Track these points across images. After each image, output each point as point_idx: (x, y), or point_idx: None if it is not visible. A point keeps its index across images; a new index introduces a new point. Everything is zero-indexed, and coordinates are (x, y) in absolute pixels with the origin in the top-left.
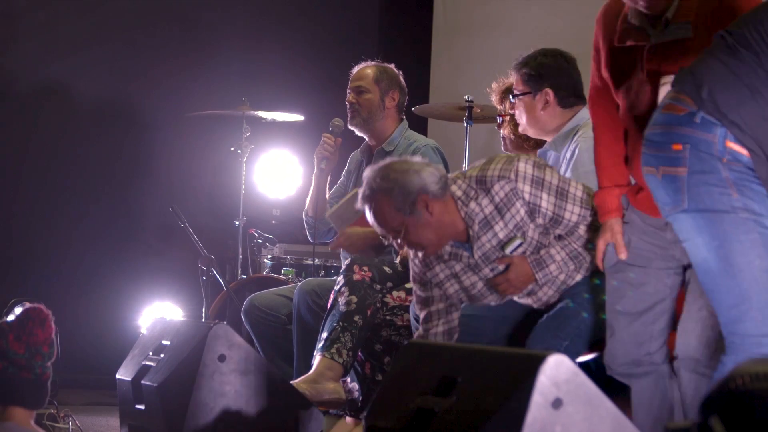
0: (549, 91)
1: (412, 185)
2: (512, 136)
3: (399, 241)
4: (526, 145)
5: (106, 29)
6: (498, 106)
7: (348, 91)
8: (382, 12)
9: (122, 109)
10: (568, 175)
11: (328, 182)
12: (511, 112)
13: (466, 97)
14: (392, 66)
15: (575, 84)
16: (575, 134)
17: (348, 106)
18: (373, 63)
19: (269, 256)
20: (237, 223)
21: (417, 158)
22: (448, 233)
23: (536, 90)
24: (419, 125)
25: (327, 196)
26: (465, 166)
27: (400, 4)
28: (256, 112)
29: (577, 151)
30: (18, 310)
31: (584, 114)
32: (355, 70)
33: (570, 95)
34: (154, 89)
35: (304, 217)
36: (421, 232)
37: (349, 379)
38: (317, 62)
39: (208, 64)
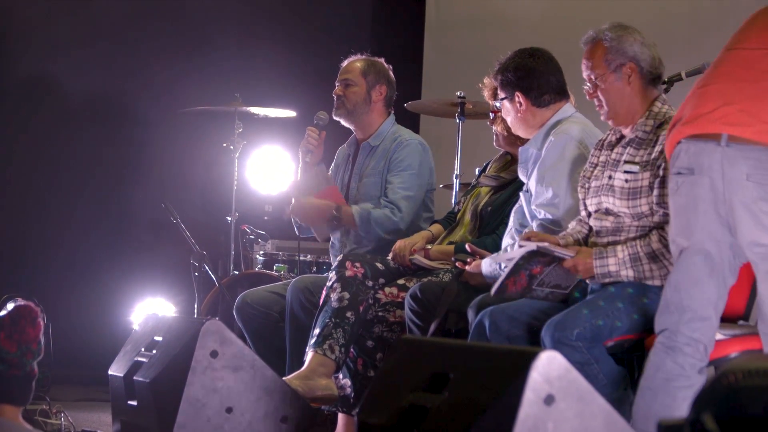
0: (519, 94)
1: (628, 42)
2: (505, 133)
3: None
4: (519, 142)
5: (98, 25)
6: (490, 102)
7: (336, 83)
8: (375, 7)
9: (114, 105)
10: (535, 172)
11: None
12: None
13: (459, 93)
14: (382, 60)
15: (549, 82)
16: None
17: (335, 99)
18: (362, 56)
19: (261, 252)
20: (229, 218)
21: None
22: (625, 113)
23: (510, 95)
24: (411, 121)
25: None
26: (457, 163)
27: (392, 0)
28: (248, 108)
29: (544, 149)
30: (9, 307)
31: (567, 110)
32: (344, 63)
33: (543, 94)
34: (147, 85)
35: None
36: (610, 95)
37: (341, 376)
38: (309, 58)
39: (200, 60)
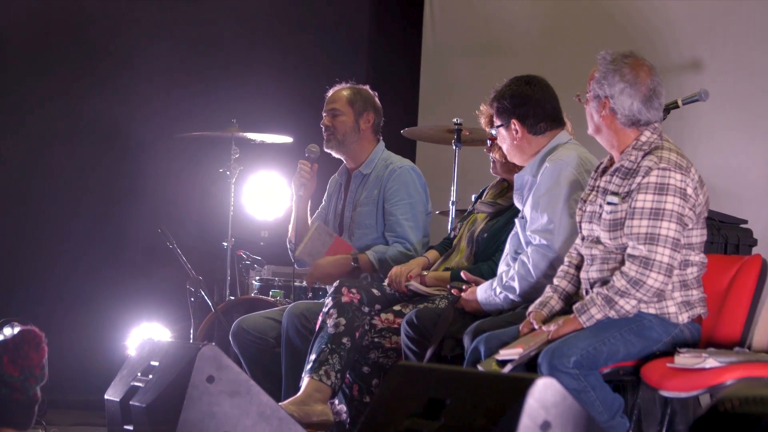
0: (515, 122)
1: (613, 82)
2: (502, 160)
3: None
4: (515, 169)
5: (95, 49)
6: (486, 129)
7: (323, 113)
8: (372, 35)
9: (111, 130)
10: (530, 198)
11: (308, 207)
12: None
13: (455, 120)
14: (367, 87)
15: (545, 110)
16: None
17: (323, 129)
18: (347, 85)
19: (257, 278)
20: (225, 244)
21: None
22: (601, 137)
23: (506, 122)
24: (408, 147)
25: (309, 221)
26: (453, 189)
27: (389, 27)
28: (245, 134)
29: (539, 176)
30: (8, 332)
31: (563, 137)
32: (329, 92)
33: (539, 121)
34: (143, 110)
35: (288, 244)
36: (589, 116)
37: (337, 401)
38: (306, 84)
39: (197, 86)
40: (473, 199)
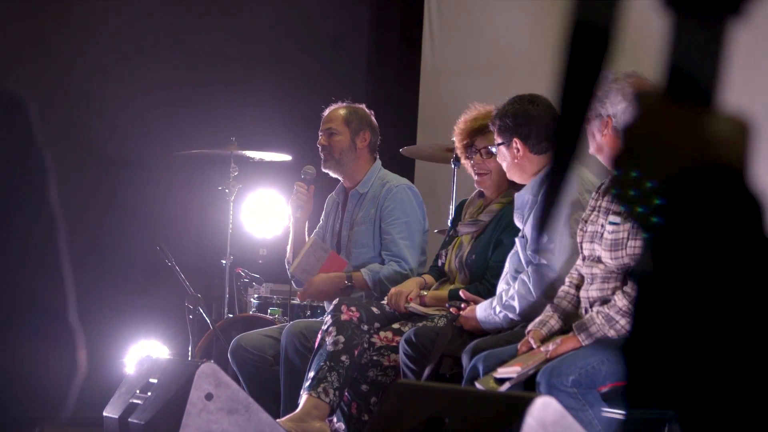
0: (517, 140)
1: (615, 101)
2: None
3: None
4: (505, 184)
5: (93, 66)
6: (458, 145)
7: (319, 133)
8: (371, 53)
9: (109, 148)
10: (530, 219)
11: (306, 228)
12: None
13: (454, 139)
14: (363, 106)
15: (547, 129)
16: None
17: (320, 149)
18: (343, 104)
19: (256, 296)
20: (224, 262)
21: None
22: (601, 156)
23: (508, 141)
24: (407, 166)
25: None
26: (452, 208)
27: (388, 46)
28: (243, 152)
29: (540, 195)
30: None
31: None
32: (326, 112)
33: (541, 141)
34: (142, 128)
35: (286, 265)
36: (590, 135)
37: (335, 419)
38: (306, 102)
39: (196, 103)
40: (449, 224)
